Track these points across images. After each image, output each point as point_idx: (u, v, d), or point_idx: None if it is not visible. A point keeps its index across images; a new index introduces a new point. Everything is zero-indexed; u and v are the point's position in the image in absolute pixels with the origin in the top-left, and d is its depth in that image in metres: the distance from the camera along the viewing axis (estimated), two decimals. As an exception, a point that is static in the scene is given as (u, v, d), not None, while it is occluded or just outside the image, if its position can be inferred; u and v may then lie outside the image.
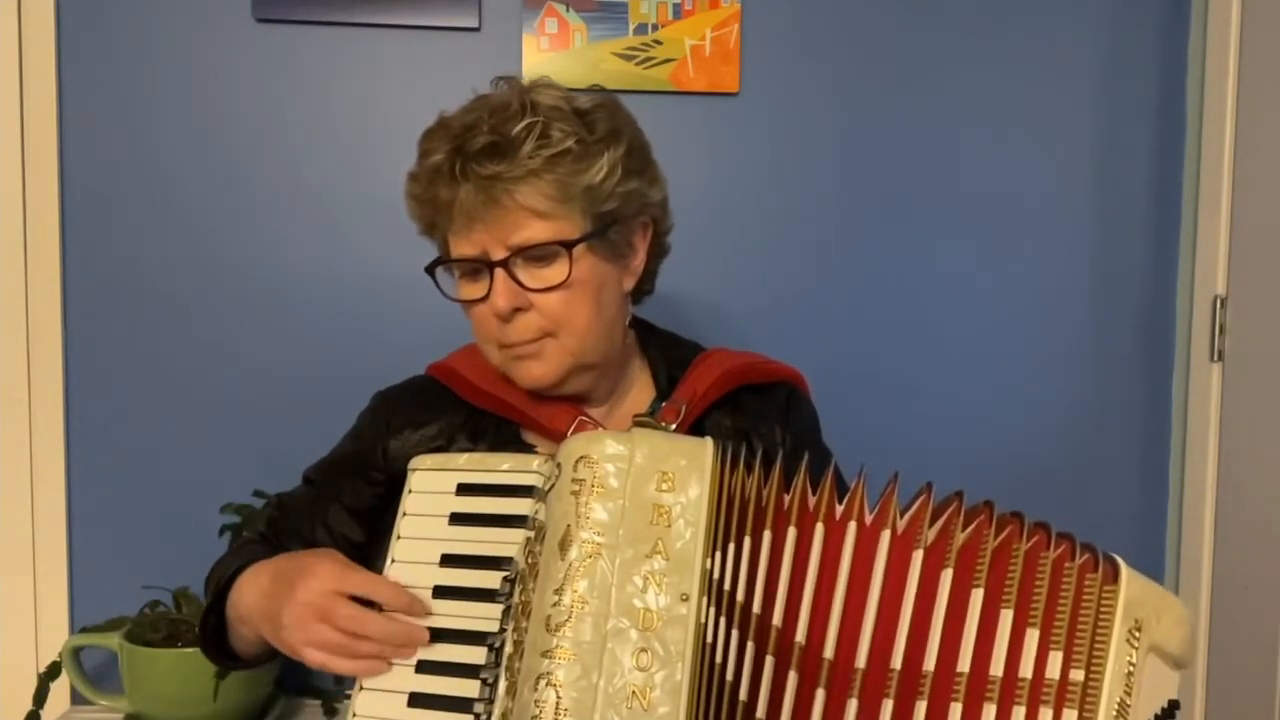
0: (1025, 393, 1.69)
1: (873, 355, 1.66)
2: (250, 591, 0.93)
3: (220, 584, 0.98)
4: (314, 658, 0.85)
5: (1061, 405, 1.70)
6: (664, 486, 0.78)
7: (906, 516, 0.80)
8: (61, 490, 1.56)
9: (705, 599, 0.75)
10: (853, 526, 0.79)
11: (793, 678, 0.76)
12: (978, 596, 0.77)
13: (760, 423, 1.08)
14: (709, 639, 0.75)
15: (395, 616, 0.84)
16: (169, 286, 1.56)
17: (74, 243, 1.55)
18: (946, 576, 0.78)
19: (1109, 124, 1.67)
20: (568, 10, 1.57)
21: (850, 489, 0.81)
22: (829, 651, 0.77)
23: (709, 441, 0.80)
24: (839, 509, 0.80)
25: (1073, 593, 0.78)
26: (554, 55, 1.57)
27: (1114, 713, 0.76)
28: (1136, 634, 0.78)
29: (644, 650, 0.73)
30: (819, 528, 0.79)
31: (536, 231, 0.94)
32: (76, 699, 1.54)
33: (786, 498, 0.81)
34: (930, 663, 0.76)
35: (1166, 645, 0.80)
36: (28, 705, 1.40)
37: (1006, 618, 0.77)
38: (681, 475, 0.78)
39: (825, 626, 0.78)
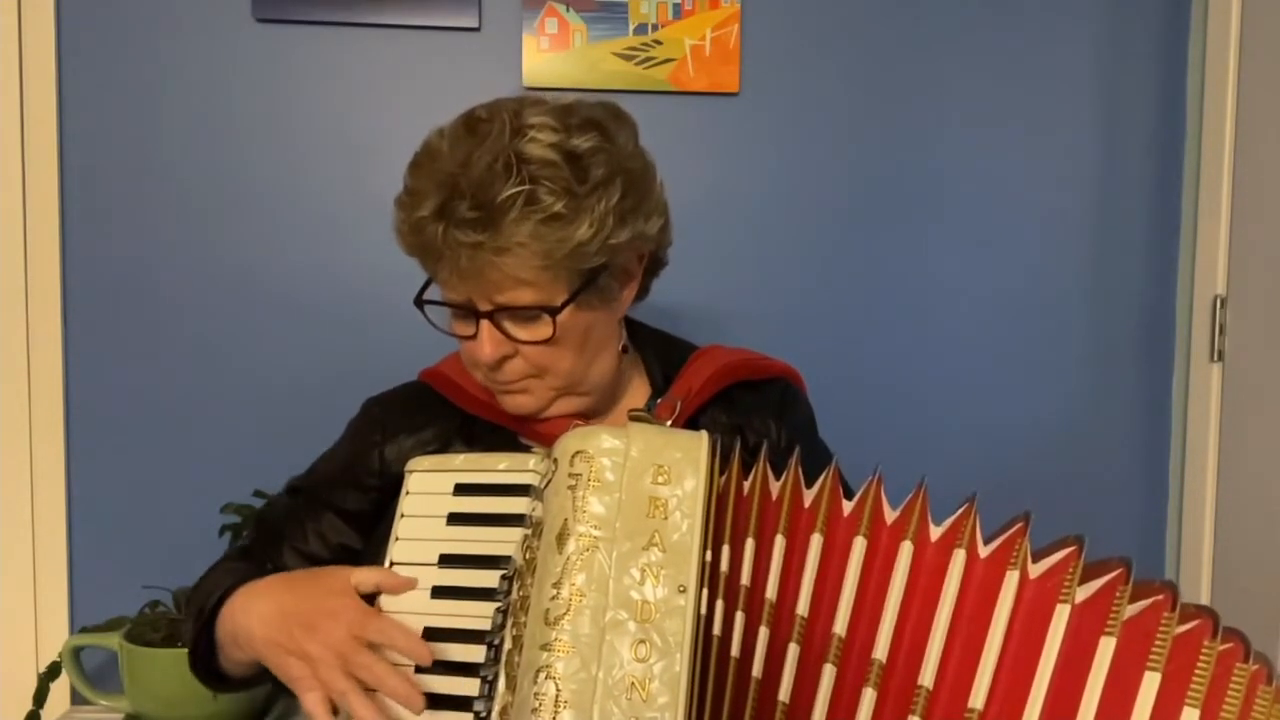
0: (1025, 393, 1.69)
1: (872, 355, 1.66)
2: (250, 618, 0.90)
3: (208, 606, 0.96)
4: (311, 702, 0.83)
5: (1061, 405, 1.70)
6: (660, 479, 0.77)
7: (1045, 564, 0.75)
8: (61, 491, 1.56)
9: (708, 591, 0.75)
10: (961, 554, 0.75)
11: (870, 695, 0.74)
12: (1153, 681, 0.70)
13: (754, 418, 1.07)
14: (717, 631, 0.74)
15: (407, 677, 0.82)
16: (169, 286, 1.56)
17: (74, 243, 1.55)
18: (1108, 645, 0.71)
19: (1109, 124, 1.67)
20: (568, 10, 1.57)
21: (959, 513, 0.77)
22: (927, 680, 0.73)
23: (704, 434, 0.80)
24: (936, 530, 0.77)
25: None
26: (554, 55, 1.57)
27: None
28: None
29: (642, 642, 0.73)
30: (907, 545, 0.76)
31: (521, 295, 0.92)
32: (76, 699, 1.54)
33: (847, 505, 0.79)
34: None
35: None
36: (28, 705, 1.40)
37: (1191, 716, 0.69)
38: (677, 468, 0.78)
39: (922, 652, 0.74)
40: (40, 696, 1.40)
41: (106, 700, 1.44)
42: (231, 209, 1.56)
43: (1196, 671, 0.70)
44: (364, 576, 0.87)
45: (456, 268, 0.91)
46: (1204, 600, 1.61)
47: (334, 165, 1.57)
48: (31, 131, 1.52)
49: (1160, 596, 0.73)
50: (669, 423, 0.97)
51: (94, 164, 1.54)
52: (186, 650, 0.97)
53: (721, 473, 0.80)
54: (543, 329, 0.94)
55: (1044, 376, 1.69)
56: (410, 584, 0.86)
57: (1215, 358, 1.61)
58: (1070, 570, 0.74)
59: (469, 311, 0.95)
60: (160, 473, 1.57)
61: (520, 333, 0.94)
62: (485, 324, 0.94)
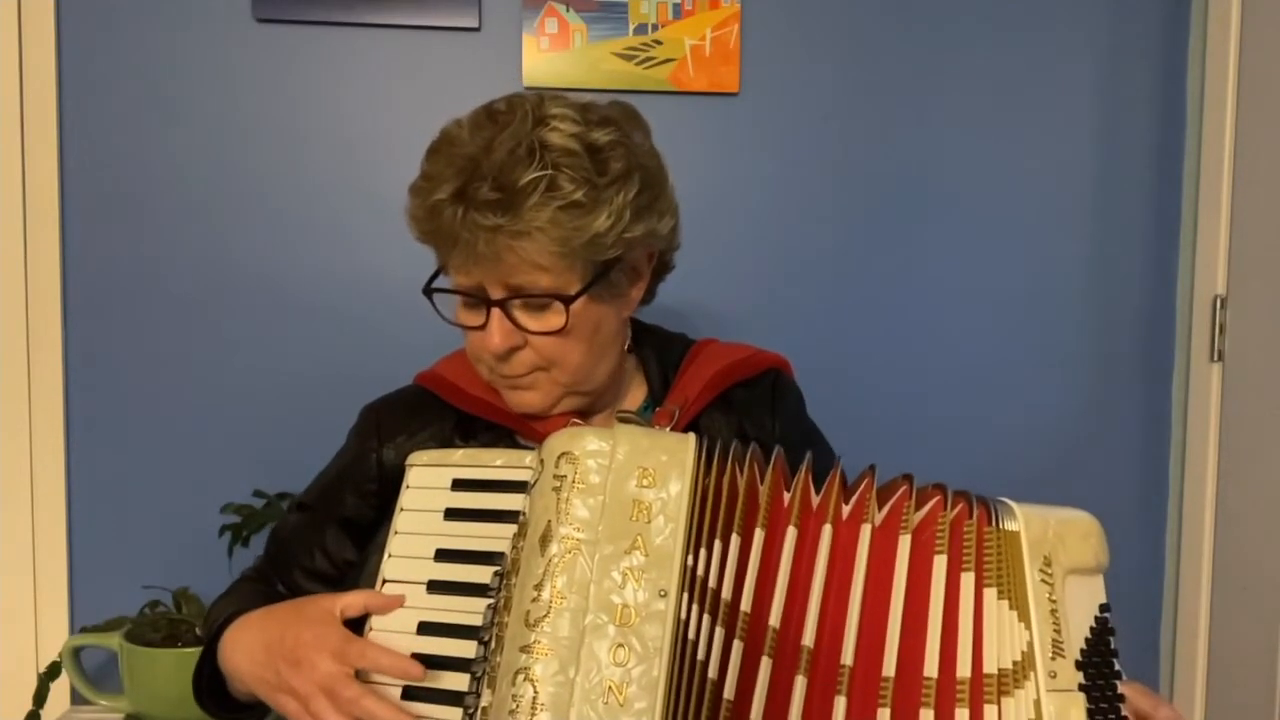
0: (1025, 393, 1.69)
1: (872, 356, 1.66)
2: (240, 654, 0.90)
3: (210, 633, 0.96)
4: None
5: (1061, 406, 1.70)
6: (645, 482, 0.78)
7: (886, 507, 0.81)
8: (61, 490, 1.56)
9: (687, 595, 0.75)
10: (868, 529, 0.79)
11: (800, 682, 0.75)
12: (968, 581, 0.78)
13: (750, 414, 1.08)
14: (691, 635, 0.74)
15: (395, 706, 0.82)
16: (169, 286, 1.56)
17: (74, 243, 1.55)
18: (940, 563, 0.78)
19: (1109, 124, 1.67)
20: (568, 10, 1.57)
21: (862, 488, 0.80)
22: (847, 658, 0.76)
23: (690, 437, 0.80)
24: (846, 509, 0.80)
25: (1004, 550, 0.79)
26: (554, 55, 1.57)
27: (1050, 654, 0.77)
28: (1048, 569, 0.79)
29: (621, 646, 0.73)
30: (827, 528, 0.79)
31: (536, 279, 0.93)
32: (76, 699, 1.54)
33: (787, 495, 0.80)
34: (932, 668, 0.76)
35: (1081, 563, 0.81)
36: (28, 705, 1.40)
37: (940, 562, 0.78)
38: (662, 471, 0.78)
39: (842, 632, 0.77)
40: (40, 696, 1.40)
41: (106, 700, 1.44)
42: (231, 209, 1.56)
43: (937, 536, 0.79)
44: (350, 600, 0.87)
45: (472, 252, 0.92)
46: (1204, 600, 1.61)
47: (333, 165, 1.57)
48: (31, 131, 1.52)
49: (904, 489, 0.81)
50: (668, 429, 0.97)
51: (94, 163, 1.54)
52: (190, 646, 0.96)
53: (709, 475, 0.80)
54: (554, 319, 0.94)
55: (1044, 376, 1.69)
56: (398, 601, 0.86)
57: (1215, 358, 1.61)
58: (905, 505, 0.80)
59: (479, 300, 0.95)
60: (160, 473, 1.57)
61: (531, 322, 0.95)
62: (496, 313, 0.94)
